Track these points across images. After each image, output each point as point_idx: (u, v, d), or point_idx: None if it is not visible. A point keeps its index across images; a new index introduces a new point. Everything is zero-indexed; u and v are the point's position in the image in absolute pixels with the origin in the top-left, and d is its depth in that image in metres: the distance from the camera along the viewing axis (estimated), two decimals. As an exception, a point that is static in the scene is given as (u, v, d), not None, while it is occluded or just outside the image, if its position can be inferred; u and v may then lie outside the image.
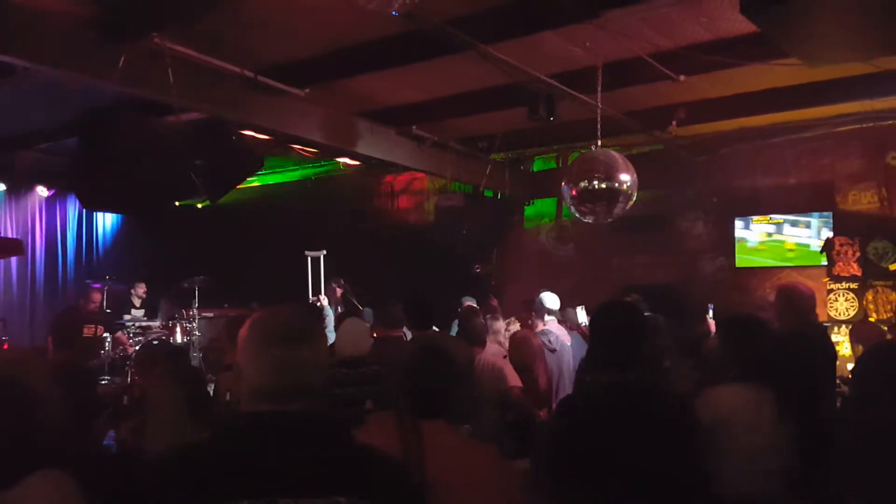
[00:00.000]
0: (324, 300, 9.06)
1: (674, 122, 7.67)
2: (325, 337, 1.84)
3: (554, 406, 5.17)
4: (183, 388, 2.62)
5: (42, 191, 10.49)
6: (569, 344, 5.81)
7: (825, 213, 8.90)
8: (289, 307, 1.81)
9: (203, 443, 1.76)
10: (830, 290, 8.22)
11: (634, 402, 2.50)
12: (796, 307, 4.83)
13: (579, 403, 2.78)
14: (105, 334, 8.79)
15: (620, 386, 2.54)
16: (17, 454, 2.31)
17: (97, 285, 9.39)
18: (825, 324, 7.64)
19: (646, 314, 6.92)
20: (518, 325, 6.20)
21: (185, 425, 2.56)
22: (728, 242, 9.47)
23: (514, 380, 5.01)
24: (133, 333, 9.58)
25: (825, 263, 8.42)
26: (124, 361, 8.89)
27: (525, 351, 5.32)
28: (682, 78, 6.49)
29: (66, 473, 2.33)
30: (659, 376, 3.34)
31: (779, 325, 4.69)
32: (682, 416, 2.56)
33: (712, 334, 6.76)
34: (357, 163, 9.32)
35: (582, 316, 7.27)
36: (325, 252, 9.43)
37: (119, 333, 9.11)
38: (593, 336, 3.05)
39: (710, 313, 6.98)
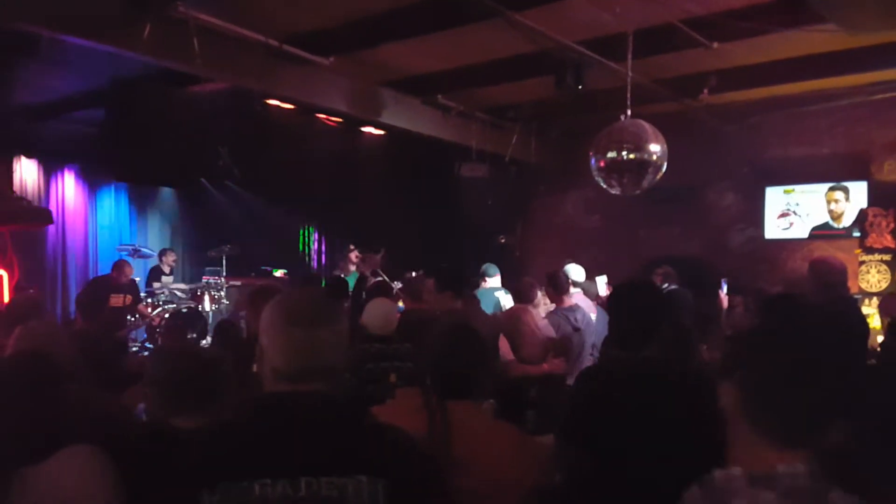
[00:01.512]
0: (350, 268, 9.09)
1: (705, 90, 7.53)
2: (346, 317, 1.83)
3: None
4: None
5: (72, 162, 10.56)
6: (594, 317, 5.76)
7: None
8: (311, 288, 1.80)
9: (226, 422, 1.77)
10: (862, 262, 8.07)
11: (640, 380, 2.55)
12: (825, 281, 4.77)
13: (590, 380, 2.88)
14: (134, 304, 8.90)
15: (628, 364, 2.60)
16: (48, 429, 2.34)
17: (128, 257, 9.47)
18: (856, 296, 7.52)
19: (674, 287, 6.93)
20: (546, 299, 6.15)
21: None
22: (758, 213, 9.32)
23: (507, 353, 5.01)
24: (163, 301, 9.69)
25: (857, 234, 8.27)
26: (154, 331, 9.00)
27: (511, 324, 5.29)
28: (714, 45, 6.35)
29: (97, 447, 2.36)
30: (683, 353, 3.29)
31: (811, 299, 4.63)
32: (687, 396, 2.58)
33: (724, 309, 6.70)
34: (381, 132, 9.26)
35: (602, 287, 7.23)
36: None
37: (140, 305, 9.21)
38: (611, 315, 3.07)
39: (724, 288, 6.91)
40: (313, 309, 1.72)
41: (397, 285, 7.50)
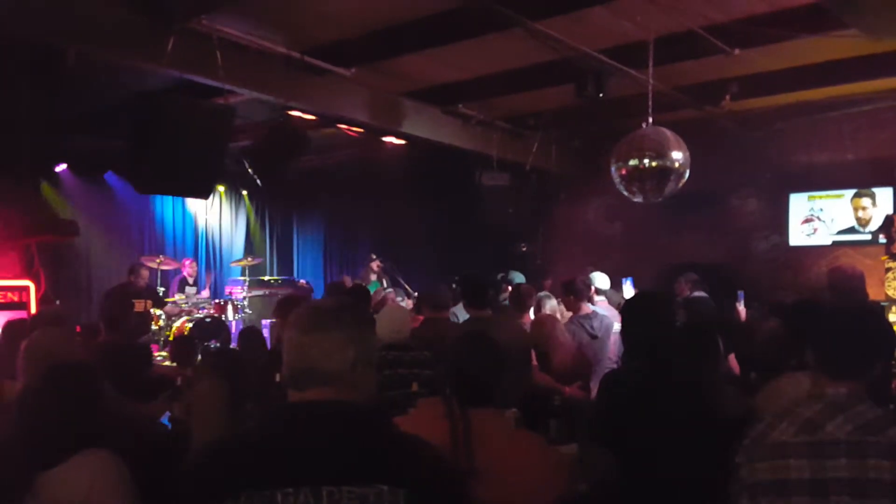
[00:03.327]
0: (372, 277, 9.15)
1: (727, 97, 7.48)
2: (365, 324, 1.82)
3: (592, 386, 5.08)
4: (226, 382, 2.66)
5: (97, 173, 10.66)
6: (618, 326, 5.72)
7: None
8: (333, 297, 1.82)
9: (247, 431, 1.78)
10: (889, 269, 7.96)
11: (657, 388, 2.72)
12: (842, 289, 4.77)
13: (612, 387, 3.04)
14: (157, 311, 8.96)
15: (646, 373, 2.82)
16: (65, 435, 2.38)
17: (147, 262, 9.49)
18: (882, 303, 7.42)
19: (699, 295, 6.89)
20: (562, 308, 6.11)
21: (226, 416, 2.60)
22: (782, 220, 9.24)
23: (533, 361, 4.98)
24: (186, 311, 9.77)
25: (884, 241, 8.16)
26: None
27: (539, 333, 5.21)
28: (736, 51, 6.32)
29: (112, 453, 2.40)
30: (707, 361, 3.28)
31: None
32: (701, 404, 2.65)
33: (744, 321, 6.63)
34: (402, 142, 9.29)
35: (629, 292, 7.18)
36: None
37: (169, 307, 9.27)
38: (623, 326, 3.14)
39: (742, 300, 6.84)
40: (323, 314, 1.73)
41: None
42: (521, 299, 5.70)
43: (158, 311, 9.00)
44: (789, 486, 2.05)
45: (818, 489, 2.01)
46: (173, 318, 9.26)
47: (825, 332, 2.26)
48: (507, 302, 6.66)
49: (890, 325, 4.78)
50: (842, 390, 2.09)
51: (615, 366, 5.29)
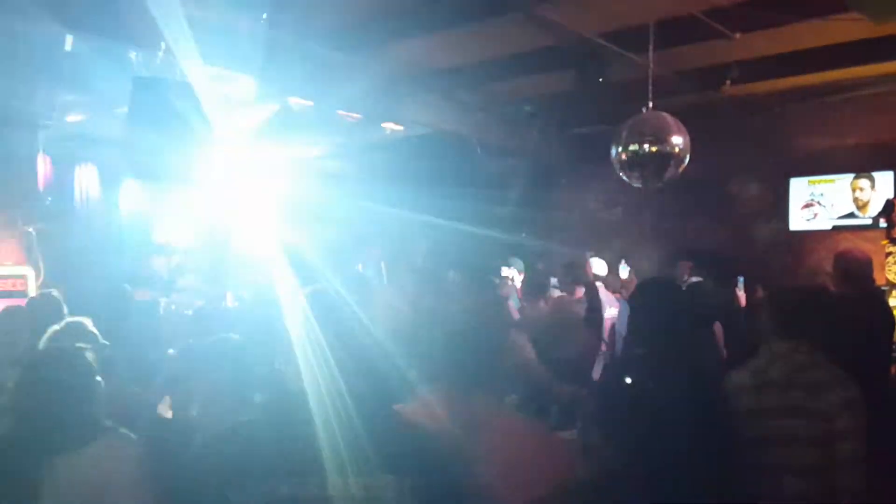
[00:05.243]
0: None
1: (728, 82, 7.45)
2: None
3: (594, 373, 5.05)
4: (232, 371, 2.66)
5: (96, 159, 10.60)
6: (616, 311, 5.72)
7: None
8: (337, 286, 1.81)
9: (254, 420, 1.78)
10: (889, 253, 7.95)
11: (659, 376, 2.76)
12: (850, 274, 4.72)
13: (613, 373, 3.04)
14: (161, 299, 8.95)
15: (649, 361, 2.85)
16: (85, 419, 2.39)
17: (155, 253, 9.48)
18: (882, 287, 7.42)
19: (694, 280, 6.90)
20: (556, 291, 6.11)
21: (233, 406, 2.60)
22: (782, 205, 9.23)
23: (530, 352, 4.92)
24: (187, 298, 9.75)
25: (884, 225, 8.16)
26: (179, 327, 9.05)
27: (561, 320, 5.15)
28: (737, 35, 6.28)
29: (129, 438, 2.41)
30: (705, 348, 3.31)
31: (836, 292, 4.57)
32: (699, 394, 2.68)
33: (743, 306, 6.64)
34: (400, 128, 9.25)
35: (624, 274, 7.17)
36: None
37: (175, 295, 9.26)
38: (632, 312, 3.15)
39: (741, 285, 6.85)
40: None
41: None
42: (540, 284, 5.69)
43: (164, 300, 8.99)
44: (744, 415, 2.81)
45: (757, 415, 2.80)
46: (184, 307, 9.25)
47: (772, 305, 2.97)
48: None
49: (889, 309, 4.78)
50: (784, 346, 2.82)
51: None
